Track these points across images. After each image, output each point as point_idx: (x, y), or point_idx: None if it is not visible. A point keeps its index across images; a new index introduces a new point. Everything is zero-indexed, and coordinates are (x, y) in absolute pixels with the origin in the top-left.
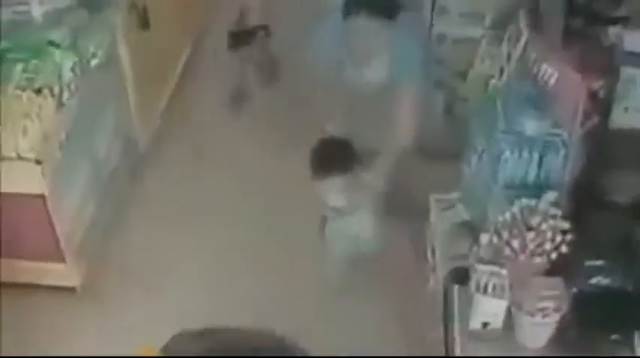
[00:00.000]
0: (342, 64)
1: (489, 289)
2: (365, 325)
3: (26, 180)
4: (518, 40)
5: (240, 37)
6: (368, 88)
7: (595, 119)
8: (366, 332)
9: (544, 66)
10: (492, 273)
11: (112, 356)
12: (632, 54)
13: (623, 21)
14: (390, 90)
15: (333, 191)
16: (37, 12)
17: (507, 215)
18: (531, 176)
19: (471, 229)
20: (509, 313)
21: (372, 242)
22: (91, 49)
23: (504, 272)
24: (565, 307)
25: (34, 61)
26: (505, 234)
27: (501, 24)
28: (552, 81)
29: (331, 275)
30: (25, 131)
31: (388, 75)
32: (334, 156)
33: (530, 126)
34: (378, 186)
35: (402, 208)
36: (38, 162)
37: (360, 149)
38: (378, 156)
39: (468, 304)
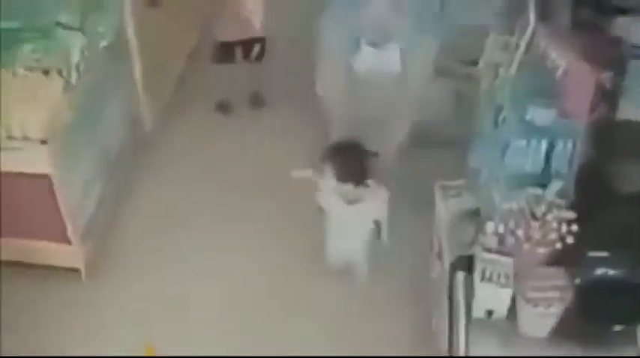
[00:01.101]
0: (356, 43)
1: (494, 277)
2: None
3: (32, 160)
4: (526, 30)
5: (229, 50)
6: (378, 77)
7: (602, 110)
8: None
9: (553, 56)
10: (497, 262)
11: (114, 356)
12: None
13: (631, 13)
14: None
15: (343, 195)
16: None
17: (513, 204)
18: (538, 165)
19: (477, 217)
20: (513, 302)
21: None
22: (100, 31)
23: (509, 260)
24: (569, 298)
25: (42, 42)
26: (511, 224)
27: (511, 14)
28: (561, 71)
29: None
30: (32, 111)
31: (400, 61)
32: (354, 163)
33: (539, 115)
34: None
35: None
36: (44, 142)
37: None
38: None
39: (472, 292)
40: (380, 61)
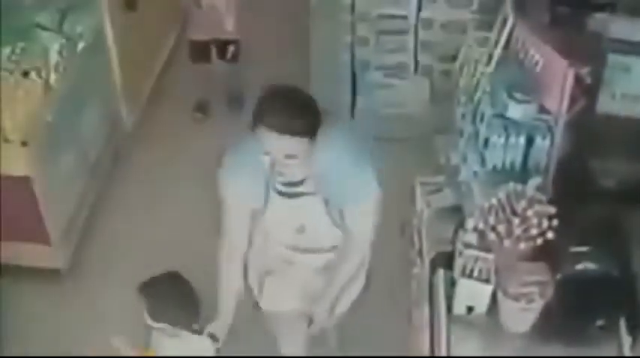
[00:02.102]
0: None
1: (475, 273)
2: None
3: (12, 162)
4: (505, 25)
5: (203, 49)
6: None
7: (581, 105)
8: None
9: (531, 51)
10: (478, 258)
11: (116, 356)
12: (619, 41)
13: (609, 8)
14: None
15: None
16: None
17: (493, 200)
18: (518, 161)
19: (458, 213)
20: (494, 298)
21: None
22: (78, 31)
23: (490, 256)
24: (550, 293)
25: (21, 44)
26: (491, 219)
27: (489, 9)
28: (539, 66)
29: None
30: (11, 113)
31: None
32: (171, 300)
33: (517, 111)
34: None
35: None
36: (24, 143)
37: None
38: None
39: (453, 288)
40: (296, 212)
